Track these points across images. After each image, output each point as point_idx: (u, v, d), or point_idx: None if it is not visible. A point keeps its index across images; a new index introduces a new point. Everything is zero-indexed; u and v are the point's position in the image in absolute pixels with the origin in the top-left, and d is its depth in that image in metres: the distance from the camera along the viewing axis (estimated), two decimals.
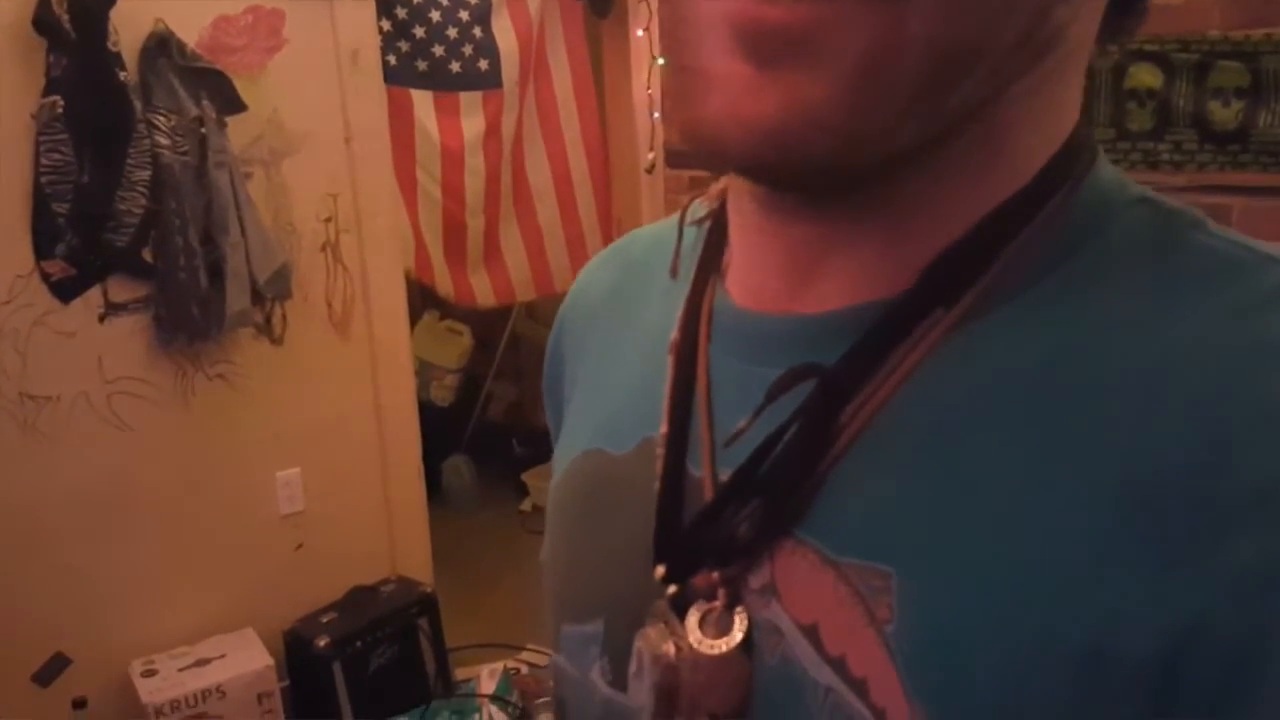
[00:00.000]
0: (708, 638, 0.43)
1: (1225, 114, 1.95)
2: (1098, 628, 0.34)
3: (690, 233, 0.54)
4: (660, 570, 0.45)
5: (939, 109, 0.36)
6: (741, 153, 0.37)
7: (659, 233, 0.60)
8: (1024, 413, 0.38)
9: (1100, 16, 0.41)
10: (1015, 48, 0.36)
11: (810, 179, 0.38)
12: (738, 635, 0.42)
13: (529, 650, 3.18)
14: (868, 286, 0.42)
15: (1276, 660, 0.31)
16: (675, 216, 0.56)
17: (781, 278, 0.45)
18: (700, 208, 0.54)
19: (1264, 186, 1.90)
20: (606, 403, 0.55)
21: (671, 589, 0.44)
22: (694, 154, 0.38)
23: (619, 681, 0.48)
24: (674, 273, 0.54)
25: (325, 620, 2.74)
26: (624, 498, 0.50)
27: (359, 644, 2.72)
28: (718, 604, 0.43)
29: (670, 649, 0.43)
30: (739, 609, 0.42)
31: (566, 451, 0.57)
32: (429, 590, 2.93)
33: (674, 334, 0.50)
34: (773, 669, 0.41)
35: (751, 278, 0.47)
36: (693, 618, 0.43)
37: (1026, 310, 0.40)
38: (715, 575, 0.43)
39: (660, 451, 0.48)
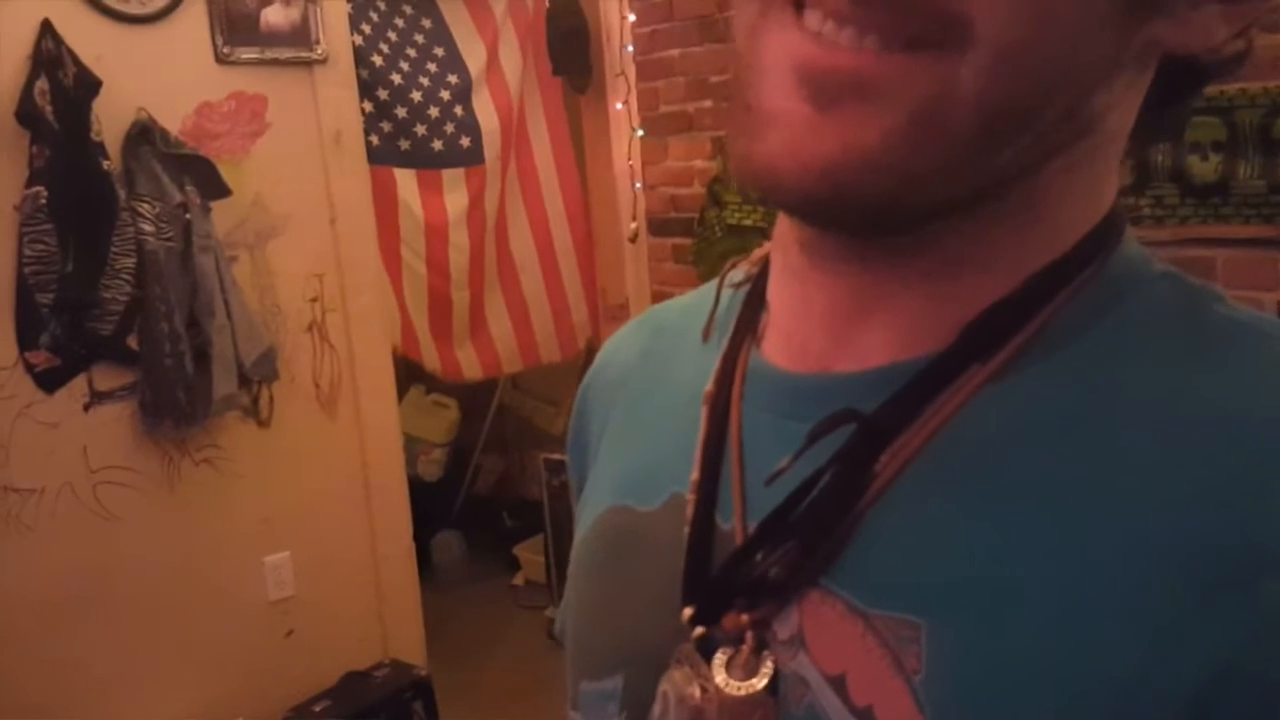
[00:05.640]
0: (734, 680, 0.43)
1: (1204, 168, 1.97)
2: (1131, 677, 0.35)
3: (726, 296, 0.55)
4: (688, 612, 0.45)
5: (986, 164, 0.39)
6: (796, 188, 0.39)
7: (693, 300, 0.61)
8: (1056, 467, 0.39)
9: (1136, 112, 0.43)
10: (1058, 121, 0.39)
11: (859, 218, 0.41)
12: (764, 678, 0.42)
13: None
14: (908, 342, 0.43)
15: None
16: (710, 284, 0.57)
17: (823, 332, 0.46)
18: (739, 272, 0.55)
19: (1247, 239, 1.92)
20: (635, 459, 0.56)
21: (698, 631, 0.44)
22: (752, 188, 0.41)
23: None
24: (705, 335, 0.55)
25: (318, 709, 2.69)
26: (649, 553, 0.50)
27: None
28: (745, 648, 0.43)
29: (696, 691, 0.43)
30: (766, 654, 0.43)
31: (592, 508, 0.57)
32: (423, 673, 2.88)
33: (709, 386, 0.51)
34: (797, 719, 0.41)
35: (791, 338, 0.48)
36: (719, 660, 0.43)
37: (1059, 369, 0.41)
38: (744, 618, 0.43)
39: (691, 498, 0.48)
